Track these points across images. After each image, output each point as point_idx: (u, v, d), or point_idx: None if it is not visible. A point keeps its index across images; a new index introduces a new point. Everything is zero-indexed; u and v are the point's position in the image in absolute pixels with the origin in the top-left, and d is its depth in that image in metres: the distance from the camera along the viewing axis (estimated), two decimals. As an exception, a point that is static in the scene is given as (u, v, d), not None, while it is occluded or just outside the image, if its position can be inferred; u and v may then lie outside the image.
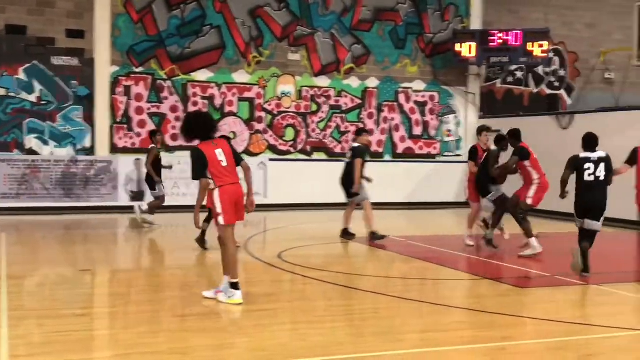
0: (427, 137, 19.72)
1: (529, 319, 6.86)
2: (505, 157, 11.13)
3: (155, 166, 13.70)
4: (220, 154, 7.22)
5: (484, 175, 11.13)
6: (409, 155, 19.47)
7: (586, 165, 8.89)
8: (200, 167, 7.16)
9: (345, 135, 18.69)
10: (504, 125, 18.97)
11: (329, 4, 18.57)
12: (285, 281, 8.81)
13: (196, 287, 8.26)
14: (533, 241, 10.55)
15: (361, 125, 18.17)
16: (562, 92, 21.58)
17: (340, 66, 18.79)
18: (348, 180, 12.05)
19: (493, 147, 11.34)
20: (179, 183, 16.61)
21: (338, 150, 18.37)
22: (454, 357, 5.71)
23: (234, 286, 7.18)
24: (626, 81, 21.96)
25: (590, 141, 9.06)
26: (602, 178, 8.90)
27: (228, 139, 8.66)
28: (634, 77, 21.79)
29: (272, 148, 18.15)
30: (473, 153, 11.61)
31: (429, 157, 19.72)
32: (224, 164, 7.21)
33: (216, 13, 17.64)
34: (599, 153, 9.02)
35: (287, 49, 18.29)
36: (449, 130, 19.98)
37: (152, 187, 13.76)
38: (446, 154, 19.91)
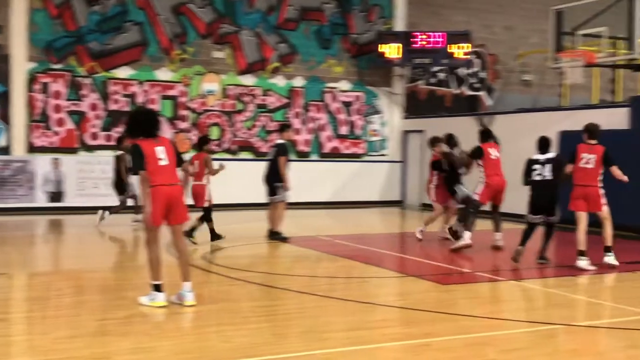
0: (353, 136, 19.88)
1: (452, 315, 6.98)
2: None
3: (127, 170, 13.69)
4: (160, 152, 7.04)
5: (451, 179, 11.98)
6: (335, 155, 19.58)
7: (534, 167, 9.73)
8: (137, 161, 6.99)
9: (272, 134, 18.62)
10: (427, 125, 19.41)
11: (254, 1, 18.46)
12: (210, 282, 8.70)
13: (117, 290, 8.07)
14: (467, 234, 10.91)
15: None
16: (483, 93, 22.14)
17: (266, 65, 18.72)
18: (272, 178, 11.97)
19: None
20: (99, 184, 16.20)
21: (264, 149, 18.26)
22: (378, 354, 5.76)
23: (157, 288, 7.04)
24: (543, 83, 22.72)
25: (541, 143, 9.88)
26: (549, 177, 9.62)
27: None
28: (550, 79, 22.56)
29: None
30: (439, 164, 12.24)
31: (355, 157, 19.89)
32: (163, 162, 7.03)
33: (138, 9, 17.28)
34: (549, 154, 9.79)
35: (212, 47, 18.10)
36: (375, 130, 20.20)
37: (122, 192, 13.78)
38: (372, 153, 20.13)
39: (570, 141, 14.58)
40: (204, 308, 7.10)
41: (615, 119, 14.27)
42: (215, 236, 11.58)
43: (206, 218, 11.52)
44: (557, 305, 7.82)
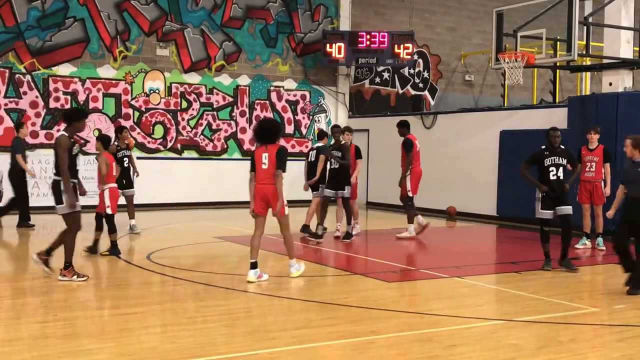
0: (299, 135, 19.90)
1: (397, 312, 7.06)
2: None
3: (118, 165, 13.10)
4: (265, 157, 8.48)
5: None
6: (280, 154, 19.53)
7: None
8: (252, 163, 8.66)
9: (217, 133, 18.51)
10: (371, 124, 19.55)
11: (198, -1, 18.32)
12: (154, 283, 8.59)
13: (58, 292, 7.91)
14: (411, 227, 12.01)
15: (240, 124, 18.01)
16: (426, 93, 22.44)
17: (211, 63, 18.58)
18: (320, 178, 12.78)
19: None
20: (39, 183, 15.81)
21: (209, 148, 18.15)
22: (324, 352, 5.78)
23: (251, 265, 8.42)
24: (484, 83, 23.17)
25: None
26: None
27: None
28: (491, 79, 23.02)
29: (140, 146, 17.64)
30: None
31: (301, 156, 19.88)
32: (264, 166, 8.49)
33: (80, 5, 16.94)
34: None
35: (156, 44, 17.87)
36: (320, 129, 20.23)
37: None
38: (317, 152, 20.15)
39: (510, 140, 14.94)
40: (148, 309, 7.02)
41: (554, 119, 14.64)
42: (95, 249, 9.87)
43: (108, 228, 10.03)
44: (499, 301, 7.99)
